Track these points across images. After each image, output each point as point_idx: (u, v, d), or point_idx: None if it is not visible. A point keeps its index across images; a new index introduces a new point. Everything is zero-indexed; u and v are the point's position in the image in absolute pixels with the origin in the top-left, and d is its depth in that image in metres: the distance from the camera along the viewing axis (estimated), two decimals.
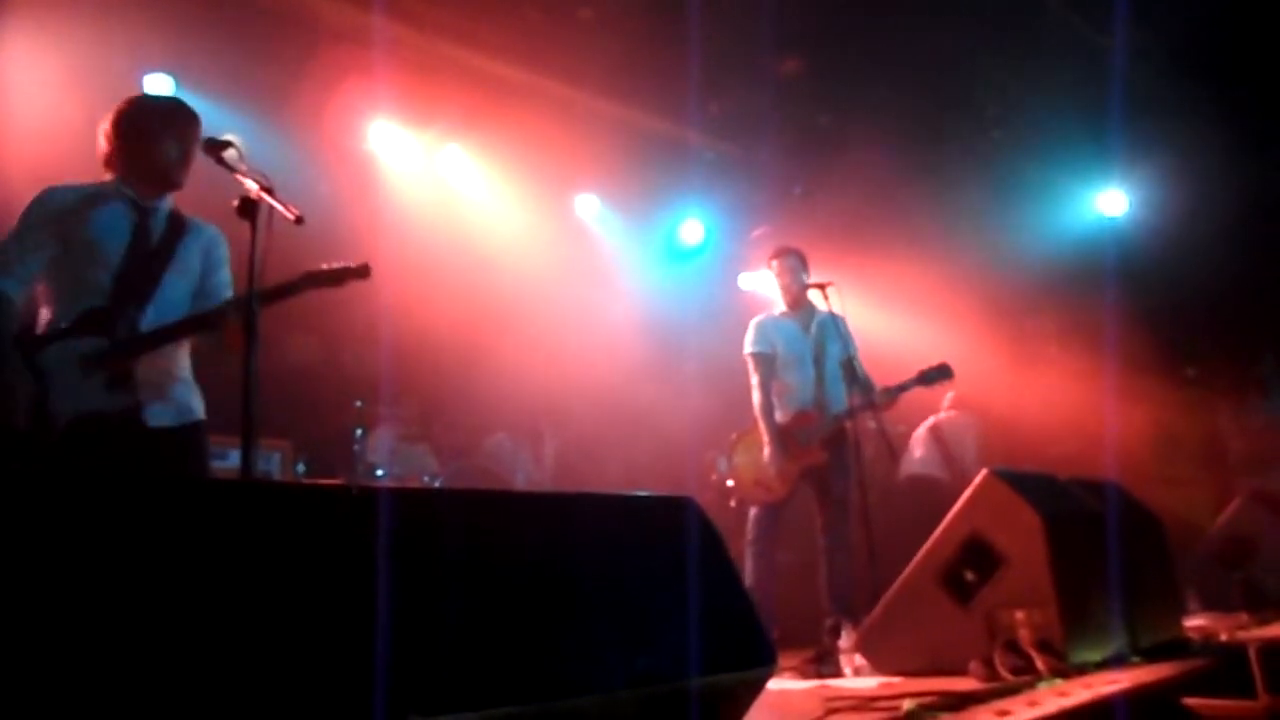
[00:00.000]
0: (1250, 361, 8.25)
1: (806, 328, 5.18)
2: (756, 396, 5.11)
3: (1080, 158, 7.83)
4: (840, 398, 5.02)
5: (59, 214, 3.05)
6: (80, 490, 1.54)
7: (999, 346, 7.70)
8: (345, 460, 6.14)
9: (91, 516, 1.49)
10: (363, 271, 3.13)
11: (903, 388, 4.90)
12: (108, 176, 3.21)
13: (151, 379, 3.06)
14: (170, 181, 3.20)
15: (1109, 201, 8.53)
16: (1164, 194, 8.01)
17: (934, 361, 4.96)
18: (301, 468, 5.70)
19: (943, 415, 7.29)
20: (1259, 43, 6.59)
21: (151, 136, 3.17)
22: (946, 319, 7.74)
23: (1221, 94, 7.01)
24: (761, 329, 5.23)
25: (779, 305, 5.28)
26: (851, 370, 5.04)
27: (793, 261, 5.23)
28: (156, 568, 1.51)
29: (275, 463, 5.35)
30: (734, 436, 5.31)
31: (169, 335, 3.12)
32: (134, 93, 3.40)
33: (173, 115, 3.24)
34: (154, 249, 3.17)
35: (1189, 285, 7.76)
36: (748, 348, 5.21)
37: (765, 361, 5.14)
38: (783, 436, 4.99)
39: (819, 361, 5.10)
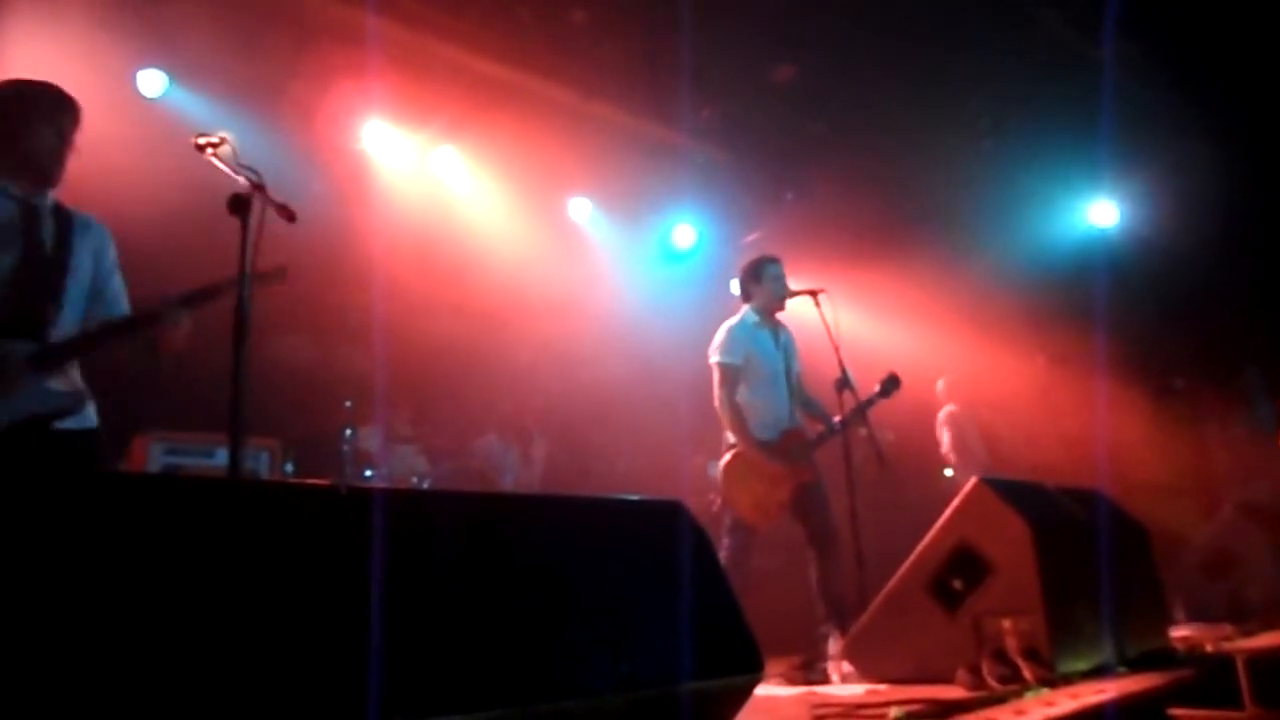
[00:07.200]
0: (1235, 372, 8.30)
1: (776, 341, 4.92)
2: (725, 411, 4.71)
3: (1071, 169, 7.87)
4: (798, 417, 4.89)
5: None
6: (65, 490, 1.53)
7: (987, 355, 7.72)
8: (334, 460, 6.11)
9: (76, 516, 1.48)
10: (279, 276, 3.09)
11: (870, 403, 4.73)
12: None
13: (61, 384, 2.91)
14: (46, 175, 2.95)
15: (1100, 212, 8.57)
16: (1154, 205, 8.06)
17: (888, 369, 4.90)
18: (290, 467, 5.67)
19: (954, 407, 7.39)
20: (1248, 56, 6.63)
21: (26, 122, 2.90)
22: (936, 327, 7.77)
23: (1211, 107, 7.07)
24: (734, 337, 4.82)
25: (750, 313, 4.94)
26: (802, 391, 4.97)
27: (780, 270, 4.96)
28: (144, 567, 1.50)
29: (263, 461, 5.30)
30: (725, 460, 4.79)
31: (107, 336, 2.98)
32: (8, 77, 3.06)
33: (51, 101, 2.96)
34: (50, 252, 2.93)
35: (1177, 296, 7.81)
36: (716, 355, 4.80)
37: (734, 373, 4.76)
38: (778, 455, 4.68)
39: (788, 378, 4.87)
